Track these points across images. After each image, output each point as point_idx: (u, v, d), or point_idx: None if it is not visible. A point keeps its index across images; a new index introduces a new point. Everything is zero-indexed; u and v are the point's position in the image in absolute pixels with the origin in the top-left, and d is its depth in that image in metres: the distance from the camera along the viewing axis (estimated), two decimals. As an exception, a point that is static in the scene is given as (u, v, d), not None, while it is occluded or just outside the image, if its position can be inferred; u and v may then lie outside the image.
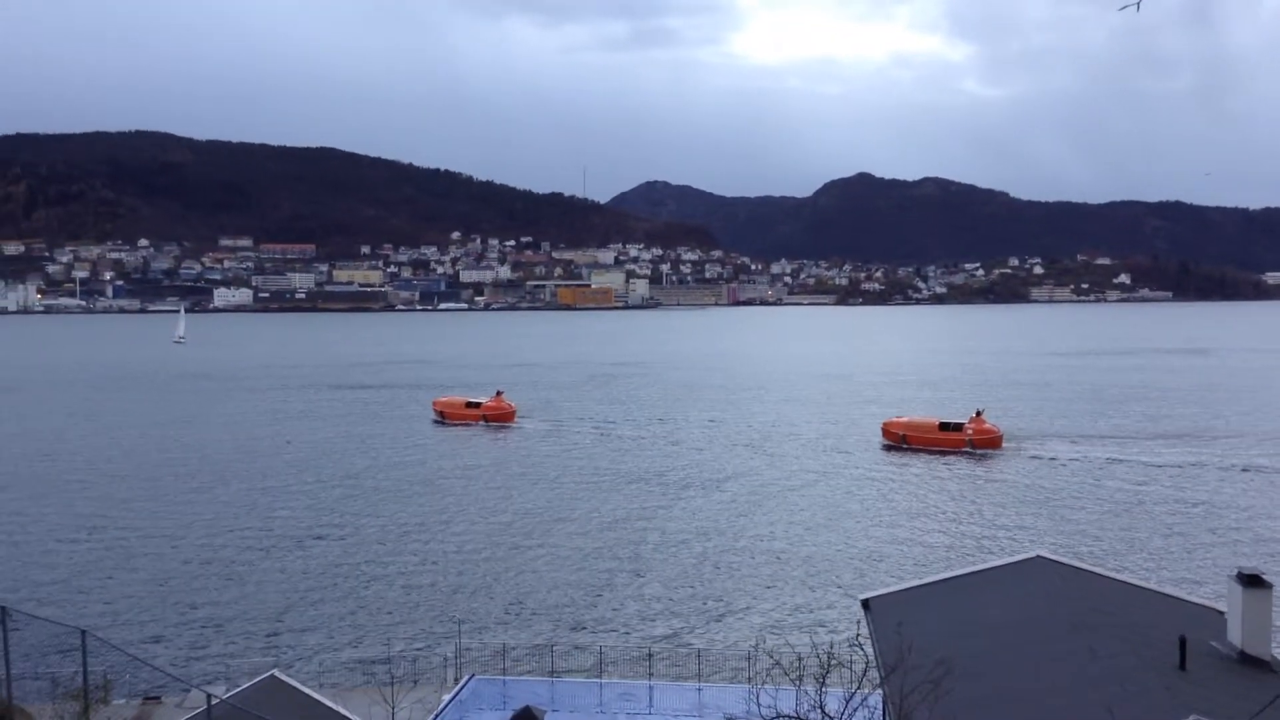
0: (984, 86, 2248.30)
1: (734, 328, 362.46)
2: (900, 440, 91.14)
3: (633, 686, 33.87)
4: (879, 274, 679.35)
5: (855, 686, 15.31)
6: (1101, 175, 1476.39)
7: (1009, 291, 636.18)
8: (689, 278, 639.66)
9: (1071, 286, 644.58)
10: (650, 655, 36.37)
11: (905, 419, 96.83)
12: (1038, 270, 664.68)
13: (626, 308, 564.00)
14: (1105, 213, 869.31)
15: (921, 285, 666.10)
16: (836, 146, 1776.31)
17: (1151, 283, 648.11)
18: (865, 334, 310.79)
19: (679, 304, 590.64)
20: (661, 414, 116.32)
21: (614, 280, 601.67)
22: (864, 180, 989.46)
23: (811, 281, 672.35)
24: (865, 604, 25.13)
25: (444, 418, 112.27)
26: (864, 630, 23.26)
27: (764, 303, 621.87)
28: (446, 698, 31.91)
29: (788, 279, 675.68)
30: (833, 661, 15.40)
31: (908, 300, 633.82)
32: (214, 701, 17.76)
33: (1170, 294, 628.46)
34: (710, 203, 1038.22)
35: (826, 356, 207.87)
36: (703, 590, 48.85)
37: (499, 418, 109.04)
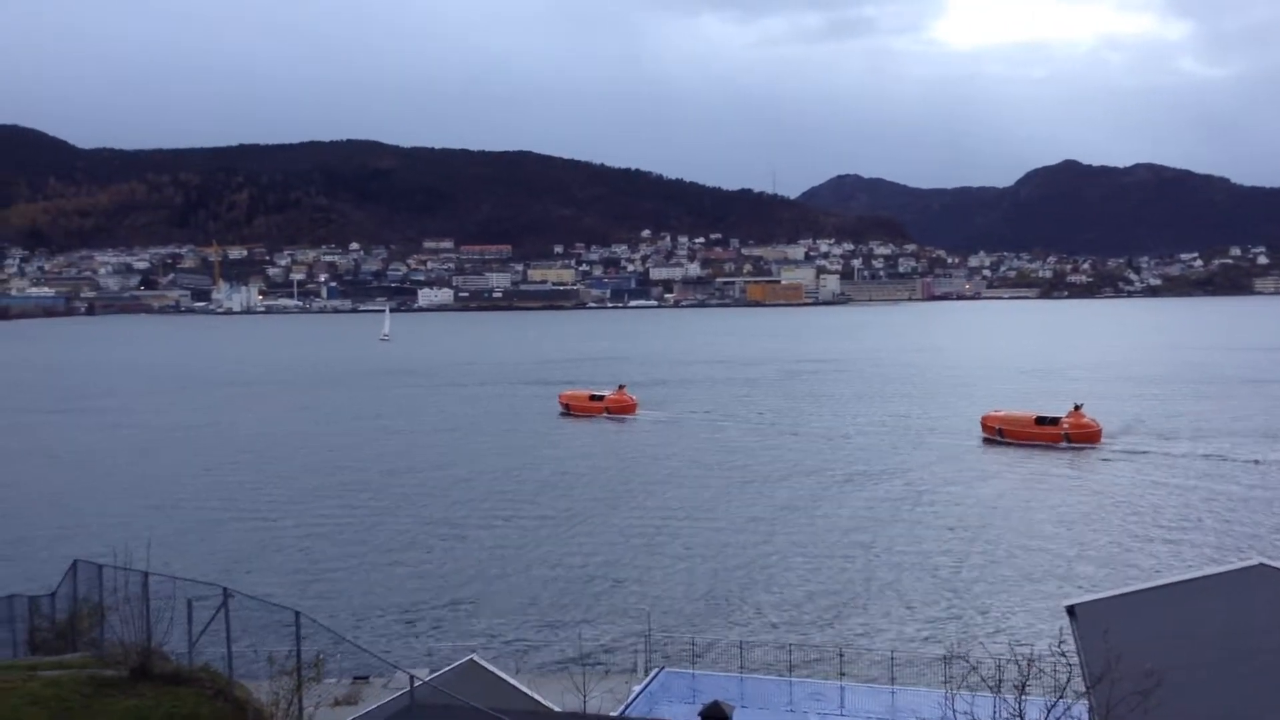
0: (1202, 66, 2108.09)
1: (929, 323, 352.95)
2: (997, 434, 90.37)
3: (823, 686, 33.38)
4: (1086, 266, 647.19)
5: (1058, 696, 14.66)
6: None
7: (1230, 283, 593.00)
8: (881, 272, 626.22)
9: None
10: (841, 655, 35.80)
11: (1003, 412, 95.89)
12: (1262, 260, 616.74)
13: (817, 304, 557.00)
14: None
15: (1133, 277, 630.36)
16: (1041, 133, 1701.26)
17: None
18: (1072, 328, 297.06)
19: (871, 300, 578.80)
20: (844, 410, 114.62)
21: (804, 276, 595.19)
22: (1070, 168, 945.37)
23: (1012, 275, 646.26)
24: (1070, 610, 24.00)
25: (569, 410, 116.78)
26: (1067, 637, 22.20)
27: (961, 297, 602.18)
28: (636, 688, 32.25)
29: (986, 272, 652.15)
30: (1033, 669, 14.80)
31: (1118, 293, 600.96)
32: (417, 683, 18.45)
33: None
34: (903, 195, 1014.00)
35: (1029, 352, 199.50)
36: (893, 591, 47.76)
37: (620, 410, 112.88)
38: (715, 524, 61.50)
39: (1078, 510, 64.08)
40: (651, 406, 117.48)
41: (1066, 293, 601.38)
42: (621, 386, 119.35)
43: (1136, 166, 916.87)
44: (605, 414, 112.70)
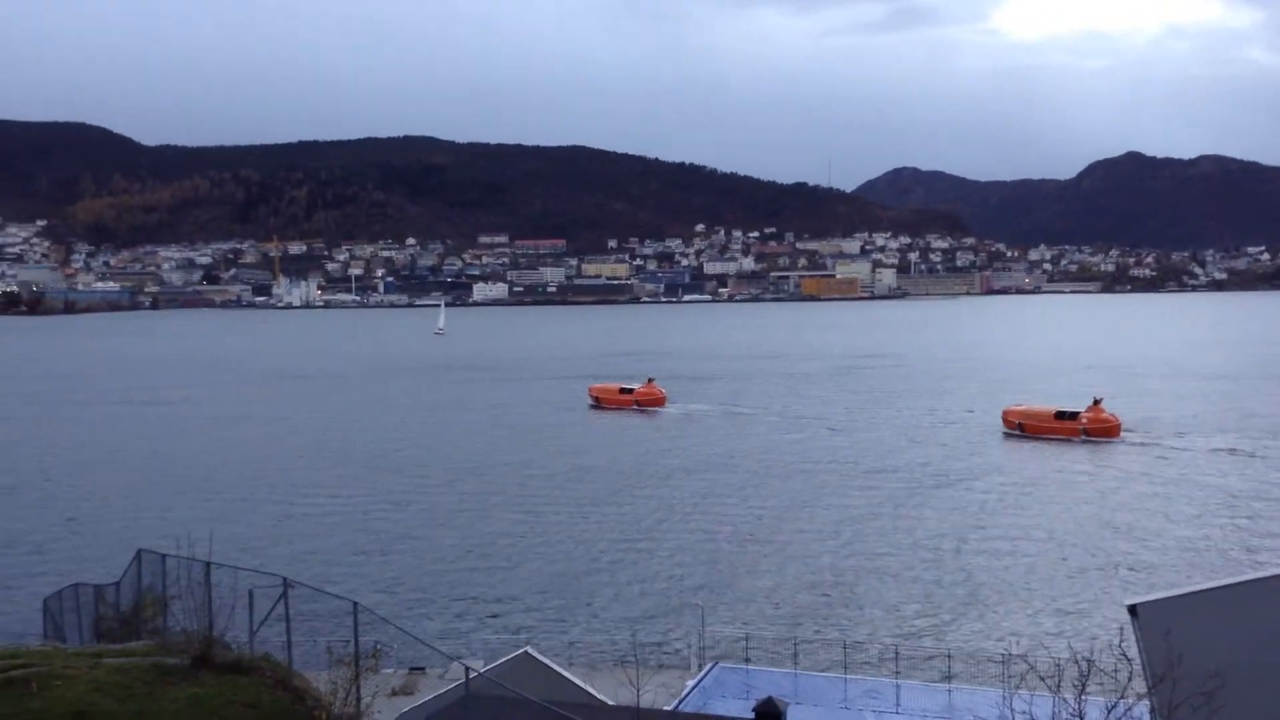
0: (1271, 54, 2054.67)
1: (987, 317, 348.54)
2: (1017, 427, 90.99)
3: (878, 684, 33.09)
4: (1150, 259, 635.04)
5: (1118, 696, 14.42)
6: None
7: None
8: (939, 266, 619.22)
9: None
10: (897, 654, 35.51)
11: (1023, 406, 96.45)
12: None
13: (873, 298, 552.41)
14: None
15: (1198, 271, 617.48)
16: (1103, 125, 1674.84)
17: None
18: (1136, 323, 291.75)
19: (928, 294, 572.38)
20: (898, 406, 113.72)
21: (860, 270, 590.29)
22: (1133, 159, 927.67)
23: (1073, 268, 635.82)
24: (1132, 610, 23.55)
25: (599, 402, 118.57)
26: (1128, 637, 21.82)
27: (1020, 291, 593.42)
28: (690, 683, 32.20)
29: (1047, 266, 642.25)
30: (1094, 668, 14.55)
31: (1182, 287, 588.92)
32: (472, 675, 18.58)
33: None
34: (962, 188, 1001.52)
35: (1092, 347, 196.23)
36: (951, 589, 47.28)
37: (650, 403, 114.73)
38: (767, 519, 61.28)
39: (1129, 507, 63.17)
40: (695, 401, 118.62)
41: (1129, 287, 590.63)
42: (650, 380, 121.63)
43: (1201, 158, 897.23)
44: (635, 406, 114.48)
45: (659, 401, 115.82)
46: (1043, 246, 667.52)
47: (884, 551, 53.64)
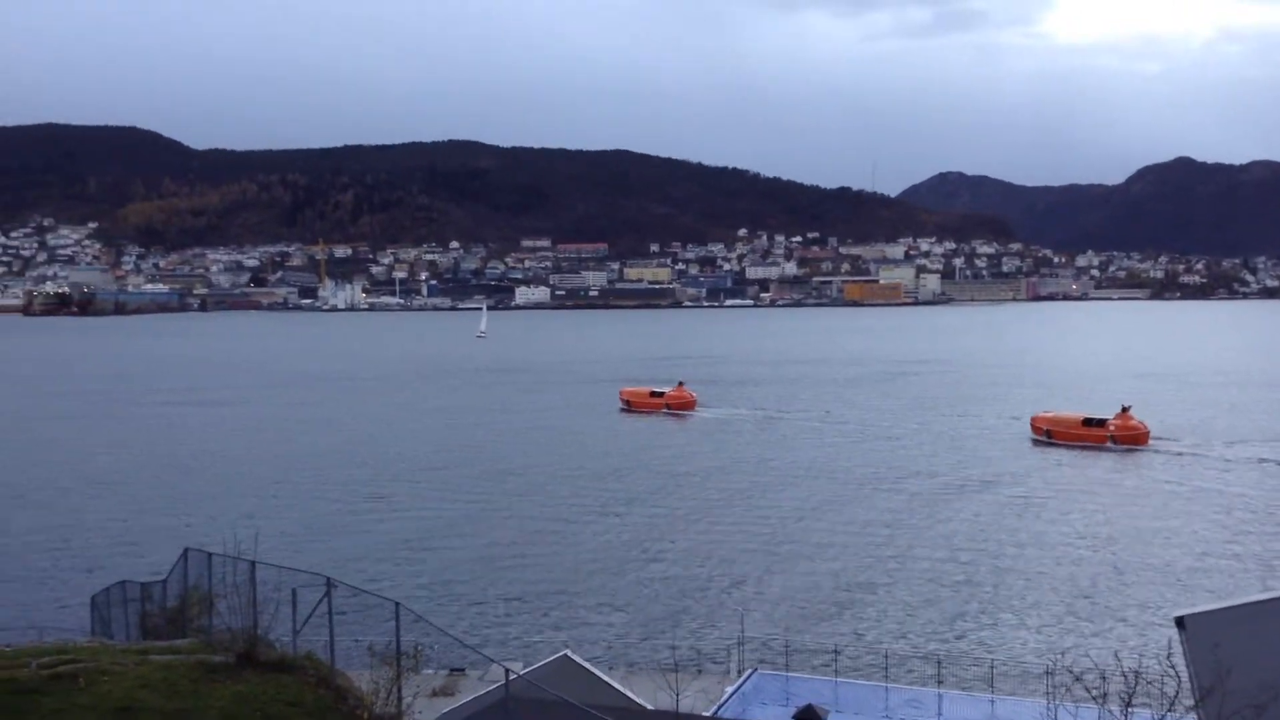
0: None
1: (1035, 323, 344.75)
2: (1045, 435, 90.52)
3: (920, 693, 32.82)
4: (1200, 266, 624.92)
5: (1166, 709, 14.20)
6: None
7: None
8: (984, 272, 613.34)
9: None
10: (939, 663, 35.17)
11: (1051, 413, 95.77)
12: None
13: (916, 303, 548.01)
14: None
15: (1249, 278, 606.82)
16: (1153, 129, 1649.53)
17: None
18: (1185, 330, 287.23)
19: (973, 299, 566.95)
20: (937, 412, 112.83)
21: (903, 275, 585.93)
22: (1184, 165, 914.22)
23: (1122, 275, 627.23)
24: (1179, 621, 23.19)
25: (630, 406, 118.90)
26: (1176, 649, 21.48)
27: (1067, 297, 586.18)
28: (729, 689, 32.12)
29: (1094, 272, 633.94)
30: (1140, 680, 14.35)
31: (1233, 295, 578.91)
32: (511, 677, 18.64)
33: None
34: (1008, 193, 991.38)
35: (1141, 354, 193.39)
36: (994, 598, 46.77)
37: (680, 406, 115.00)
38: (807, 524, 60.97)
39: (1161, 516, 62.40)
40: (731, 405, 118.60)
41: (1179, 294, 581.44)
42: (681, 383, 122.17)
43: (1253, 164, 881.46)
44: (665, 410, 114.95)
45: (689, 405, 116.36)
46: (1090, 253, 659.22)
47: (922, 558, 53.17)
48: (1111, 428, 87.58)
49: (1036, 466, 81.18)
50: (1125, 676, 14.77)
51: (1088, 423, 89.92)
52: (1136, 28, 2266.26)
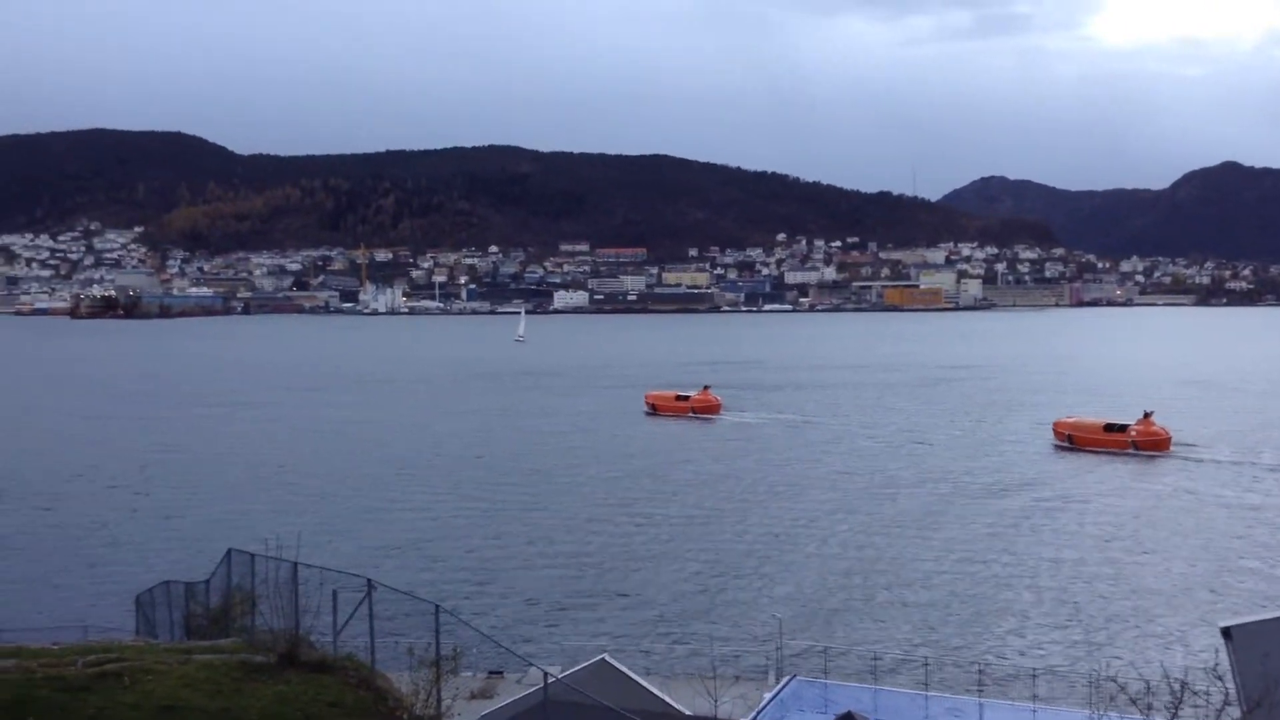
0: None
1: (1079, 329, 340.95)
2: (1067, 440, 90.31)
3: (961, 702, 32.45)
4: (1247, 272, 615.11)
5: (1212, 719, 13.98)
6: None
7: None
8: (1026, 277, 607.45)
9: None
10: (980, 671, 34.80)
11: (1073, 419, 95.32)
12: None
13: (957, 309, 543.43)
14: None
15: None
16: (1199, 134, 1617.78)
17: None
18: (1233, 337, 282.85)
19: (1015, 305, 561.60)
20: (977, 418, 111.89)
21: (944, 280, 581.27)
22: (1231, 169, 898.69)
23: (1167, 280, 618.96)
24: (1226, 632, 22.83)
25: (655, 409, 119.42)
26: (1223, 660, 21.14)
27: (1111, 303, 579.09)
28: (767, 696, 31.95)
29: (1139, 278, 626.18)
30: (1187, 690, 14.14)
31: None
32: (550, 680, 18.69)
33: None
34: (1051, 197, 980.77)
35: (1187, 361, 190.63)
36: (1037, 605, 46.25)
37: (705, 410, 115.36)
38: (845, 530, 60.59)
39: (1204, 524, 61.46)
40: (767, 410, 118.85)
41: (1225, 300, 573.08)
42: (706, 387, 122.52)
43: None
44: (691, 414, 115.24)
45: (714, 409, 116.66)
46: (1135, 258, 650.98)
47: (955, 564, 52.67)
48: (1133, 433, 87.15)
49: (1060, 472, 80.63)
50: (1171, 686, 14.57)
51: (1109, 428, 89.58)
52: (1183, 31, 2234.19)
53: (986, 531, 60.43)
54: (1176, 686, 14.30)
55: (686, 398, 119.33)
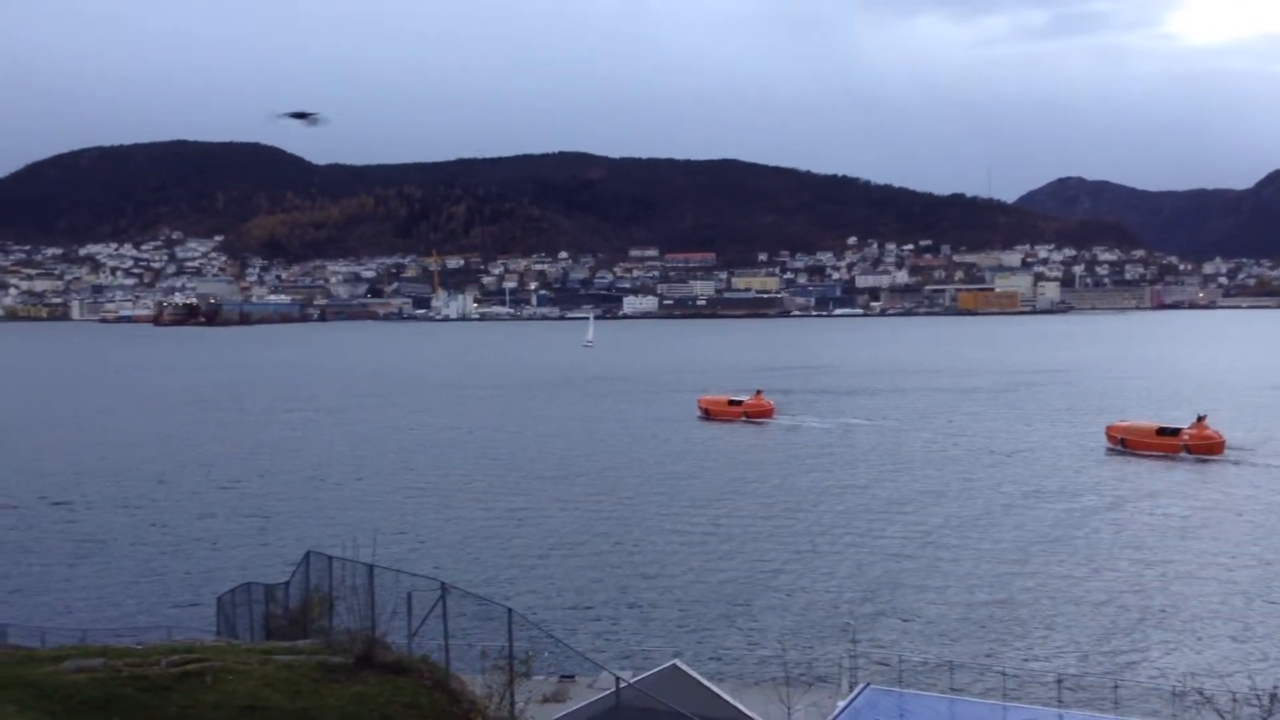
0: None
1: (1161, 333, 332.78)
2: (1119, 444, 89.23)
3: (1040, 713, 31.76)
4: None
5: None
6: None
7: None
8: (1105, 280, 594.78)
9: None
10: (1059, 682, 34.09)
11: (1126, 423, 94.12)
12: None
13: (1034, 312, 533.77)
14: None
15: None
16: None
17: None
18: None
19: (1094, 308, 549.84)
20: (1054, 422, 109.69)
21: (1020, 283, 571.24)
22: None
23: (1252, 282, 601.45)
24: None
25: (708, 414, 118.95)
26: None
27: (1193, 306, 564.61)
28: (841, 704, 31.60)
29: (1222, 280, 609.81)
30: (1276, 703, 13.70)
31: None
32: (621, 685, 18.73)
33: None
34: (1130, 198, 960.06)
35: (1273, 366, 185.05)
36: (1119, 616, 45.12)
37: (758, 414, 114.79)
38: (915, 536, 59.76)
39: (1271, 530, 59.49)
40: (846, 415, 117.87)
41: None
42: (759, 392, 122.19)
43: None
44: (744, 418, 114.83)
45: (767, 413, 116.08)
46: (1218, 259, 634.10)
47: (1029, 571, 51.63)
48: (1186, 437, 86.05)
49: (1116, 477, 79.04)
50: (1260, 699, 14.14)
51: (1162, 432, 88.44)
52: (1266, 28, 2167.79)
53: (1050, 534, 59.26)
54: (1265, 699, 13.86)
55: (739, 402, 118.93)
